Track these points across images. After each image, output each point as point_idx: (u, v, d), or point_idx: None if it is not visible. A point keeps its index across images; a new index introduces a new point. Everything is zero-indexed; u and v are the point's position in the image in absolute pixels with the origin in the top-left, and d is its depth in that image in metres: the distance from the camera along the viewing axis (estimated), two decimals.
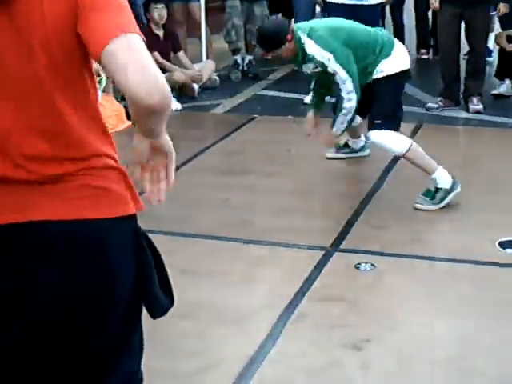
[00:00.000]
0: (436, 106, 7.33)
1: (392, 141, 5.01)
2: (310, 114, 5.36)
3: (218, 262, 4.28)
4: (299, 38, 4.90)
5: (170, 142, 1.96)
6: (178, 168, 5.74)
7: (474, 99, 7.20)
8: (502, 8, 7.45)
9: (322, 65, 4.88)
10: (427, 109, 7.33)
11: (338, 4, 7.28)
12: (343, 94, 4.86)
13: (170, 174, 2.01)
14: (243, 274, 4.15)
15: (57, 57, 1.86)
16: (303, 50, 4.89)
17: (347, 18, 7.20)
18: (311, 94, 5.54)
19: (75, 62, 1.90)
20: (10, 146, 1.90)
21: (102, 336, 2.05)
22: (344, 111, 4.90)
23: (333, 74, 4.85)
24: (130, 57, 1.76)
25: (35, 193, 1.93)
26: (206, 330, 3.58)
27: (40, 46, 1.84)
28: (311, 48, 4.86)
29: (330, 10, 7.33)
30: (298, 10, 8.62)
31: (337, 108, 5.01)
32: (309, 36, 4.88)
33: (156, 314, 2.15)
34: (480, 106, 7.16)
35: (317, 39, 4.86)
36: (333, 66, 4.83)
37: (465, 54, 7.68)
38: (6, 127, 1.89)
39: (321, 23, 5.20)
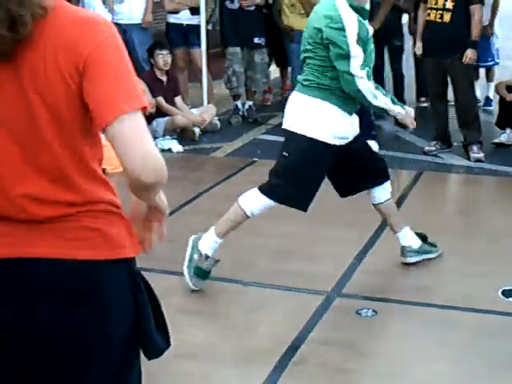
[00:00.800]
0: (433, 148, 7.44)
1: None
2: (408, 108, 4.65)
3: (217, 304, 4.23)
4: None
5: (164, 200, 2.08)
6: (177, 209, 5.74)
7: (474, 147, 7.20)
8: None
9: None
10: (425, 152, 7.42)
11: None
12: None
13: (163, 227, 2.14)
14: (243, 316, 4.09)
15: (59, 113, 1.88)
16: None
17: None
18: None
19: (77, 119, 1.91)
20: (8, 185, 1.91)
21: (97, 376, 2.02)
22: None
23: None
24: (132, 143, 1.84)
25: (32, 230, 1.93)
26: (207, 371, 3.53)
27: (42, 101, 1.86)
28: None
29: None
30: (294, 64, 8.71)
31: None
32: None
33: (151, 354, 2.12)
34: (481, 155, 7.15)
35: None
36: None
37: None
38: (6, 168, 1.90)
39: None
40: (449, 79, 7.33)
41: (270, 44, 9.07)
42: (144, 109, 1.87)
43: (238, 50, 8.74)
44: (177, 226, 5.44)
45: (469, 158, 7.18)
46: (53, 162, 1.91)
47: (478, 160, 7.10)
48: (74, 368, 1.98)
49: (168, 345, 2.13)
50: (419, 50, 7.44)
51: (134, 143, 1.84)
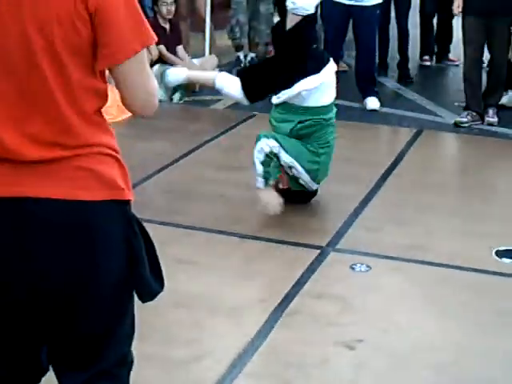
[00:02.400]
0: (465, 120, 7.00)
1: None
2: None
3: (213, 255, 4.25)
4: None
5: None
6: (176, 161, 5.74)
7: (490, 111, 7.05)
8: None
9: None
10: (456, 124, 6.99)
11: (335, 2, 7.19)
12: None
13: None
14: (238, 268, 4.13)
15: (58, 47, 1.87)
16: None
17: (344, 17, 7.27)
18: None
19: (79, 54, 1.91)
20: (3, 125, 1.91)
21: (91, 316, 2.07)
22: None
23: None
24: (138, 83, 1.97)
25: (27, 171, 1.94)
26: (199, 320, 3.57)
27: (40, 33, 1.85)
28: None
29: (327, 7, 7.17)
30: None
31: None
32: None
33: (145, 297, 2.16)
34: (495, 119, 7.02)
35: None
36: None
37: (486, 66, 7.64)
38: (1, 107, 1.90)
39: None
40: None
41: None
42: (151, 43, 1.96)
43: None
44: (174, 177, 5.47)
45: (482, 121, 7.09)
46: (49, 102, 1.91)
47: (491, 124, 7.03)
48: (67, 301, 2.02)
49: (162, 288, 2.16)
50: (458, 9, 7.00)
51: (139, 84, 1.97)
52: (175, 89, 7.55)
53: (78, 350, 2.11)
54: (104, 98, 2.01)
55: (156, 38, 1.97)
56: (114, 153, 2.03)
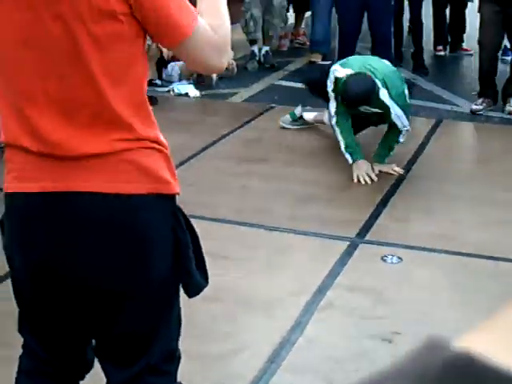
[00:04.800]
0: (481, 107, 6.95)
1: None
2: (361, 162, 5.17)
3: (242, 248, 4.21)
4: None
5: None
6: (196, 154, 5.70)
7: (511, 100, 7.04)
8: None
9: (387, 107, 4.95)
10: (472, 111, 6.95)
11: None
12: (400, 128, 5.07)
13: None
14: (268, 260, 4.08)
15: (101, 34, 1.83)
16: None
17: (358, 8, 7.22)
18: (340, 134, 5.21)
19: (123, 42, 1.87)
20: (44, 122, 1.88)
21: (137, 312, 2.04)
22: (400, 143, 5.23)
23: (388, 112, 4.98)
24: (197, 59, 1.95)
25: (74, 165, 1.90)
26: (234, 314, 3.52)
27: (81, 22, 1.81)
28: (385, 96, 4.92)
29: (341, 2, 7.26)
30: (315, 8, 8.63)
31: (388, 143, 5.23)
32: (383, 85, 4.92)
33: (191, 292, 2.12)
34: None
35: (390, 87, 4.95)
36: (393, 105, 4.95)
37: (501, 55, 7.56)
38: (41, 104, 1.87)
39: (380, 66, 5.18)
40: None
41: None
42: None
43: None
44: (196, 171, 5.42)
45: (503, 110, 6.98)
46: (94, 95, 1.87)
47: (511, 113, 6.97)
48: (114, 296, 2.00)
49: (207, 282, 2.14)
50: None
51: (192, 57, 1.96)
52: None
53: (124, 347, 2.09)
54: (143, 81, 1.98)
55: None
56: (160, 147, 1.99)
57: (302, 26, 9.92)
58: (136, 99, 1.93)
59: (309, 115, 6.22)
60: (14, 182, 1.96)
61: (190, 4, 1.92)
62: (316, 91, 5.72)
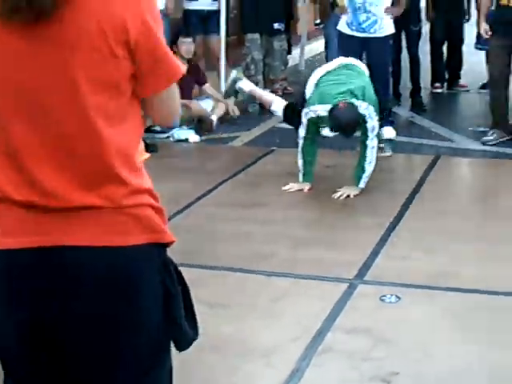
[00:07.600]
0: (492, 138, 7.07)
1: None
2: (305, 184, 5.88)
3: (241, 295, 4.23)
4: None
5: None
6: (194, 201, 5.73)
7: None
8: None
9: (363, 117, 5.46)
10: (483, 143, 7.08)
11: (349, 36, 7.39)
12: (368, 142, 5.54)
13: None
14: (268, 307, 4.09)
15: (102, 87, 1.84)
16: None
17: (357, 49, 7.33)
18: (301, 158, 5.87)
19: (117, 91, 1.87)
20: (40, 174, 1.86)
21: (129, 367, 2.01)
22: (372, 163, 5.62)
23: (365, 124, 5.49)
24: (169, 109, 2.02)
25: (63, 218, 1.88)
26: (233, 363, 3.52)
27: (84, 72, 1.81)
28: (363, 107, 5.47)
29: (341, 40, 7.48)
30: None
31: (360, 163, 5.63)
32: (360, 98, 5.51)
33: (182, 345, 2.10)
34: None
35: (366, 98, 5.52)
36: (372, 115, 5.48)
37: None
38: (36, 157, 1.85)
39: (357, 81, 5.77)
40: None
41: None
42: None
43: (257, 36, 8.72)
44: (194, 218, 5.45)
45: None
46: (94, 149, 1.85)
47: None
48: (105, 360, 1.98)
49: (197, 335, 2.11)
50: (485, 32, 7.06)
51: (170, 109, 2.03)
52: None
53: None
54: (140, 133, 2.00)
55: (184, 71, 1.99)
56: (152, 199, 1.97)
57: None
58: (131, 152, 1.93)
59: (251, 87, 6.79)
60: None
61: None
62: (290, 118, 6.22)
